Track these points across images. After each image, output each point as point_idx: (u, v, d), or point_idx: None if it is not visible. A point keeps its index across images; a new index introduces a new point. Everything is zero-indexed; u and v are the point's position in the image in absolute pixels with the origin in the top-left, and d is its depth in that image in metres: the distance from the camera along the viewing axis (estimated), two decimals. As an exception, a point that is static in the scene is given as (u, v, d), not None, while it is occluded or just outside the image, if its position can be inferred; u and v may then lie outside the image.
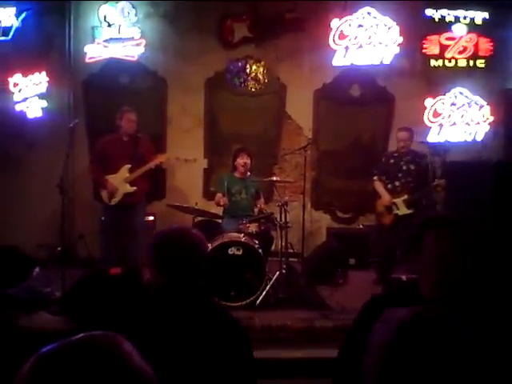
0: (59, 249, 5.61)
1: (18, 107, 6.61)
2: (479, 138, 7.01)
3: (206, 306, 1.91)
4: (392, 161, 5.86)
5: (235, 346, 1.82)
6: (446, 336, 1.13)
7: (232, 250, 4.94)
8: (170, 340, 1.75)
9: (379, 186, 5.87)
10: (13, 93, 6.57)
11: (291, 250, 5.71)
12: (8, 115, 6.56)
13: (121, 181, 5.46)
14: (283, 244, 5.31)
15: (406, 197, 5.66)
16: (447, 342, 1.11)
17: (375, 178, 5.91)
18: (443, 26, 7.04)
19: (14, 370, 1.83)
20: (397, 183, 5.78)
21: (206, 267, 2.02)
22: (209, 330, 1.81)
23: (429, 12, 6.98)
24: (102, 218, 5.70)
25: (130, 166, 5.46)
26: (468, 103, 6.98)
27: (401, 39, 6.75)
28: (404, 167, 5.76)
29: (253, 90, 7.18)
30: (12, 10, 6.63)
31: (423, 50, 7.04)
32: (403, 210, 5.66)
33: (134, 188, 5.47)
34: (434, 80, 7.06)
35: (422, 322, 1.15)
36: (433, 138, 6.94)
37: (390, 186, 5.81)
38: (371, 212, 7.15)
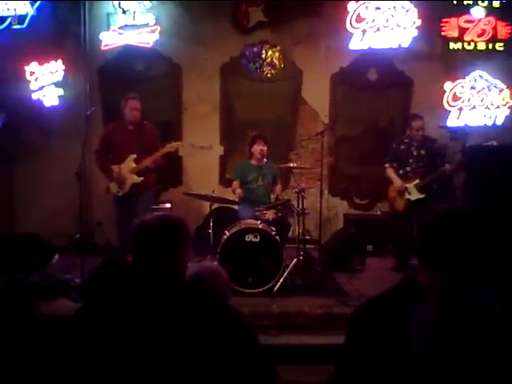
0: (78, 236, 5.66)
1: (34, 96, 6.64)
2: (499, 122, 6.89)
3: (180, 299, 1.66)
4: (403, 147, 5.83)
5: (227, 341, 1.59)
6: (483, 309, 1.22)
7: (249, 237, 4.93)
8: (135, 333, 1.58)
9: (391, 172, 5.87)
10: (29, 81, 6.60)
11: (308, 237, 5.69)
12: (25, 104, 6.59)
13: (127, 171, 5.35)
14: (300, 231, 5.29)
15: (417, 181, 5.65)
16: (484, 314, 1.21)
17: (387, 165, 5.90)
18: (461, 8, 6.90)
19: (34, 356, 1.84)
20: (408, 168, 5.77)
21: (181, 257, 1.82)
22: (184, 325, 1.58)
23: (447, -6, 6.84)
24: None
25: (135, 156, 5.33)
26: (488, 87, 6.86)
27: (419, 22, 6.63)
28: (414, 152, 5.74)
29: (268, 75, 7.13)
30: (27, -2, 6.64)
31: (442, 33, 6.91)
32: (415, 195, 5.65)
33: (141, 178, 5.35)
34: (453, 63, 6.93)
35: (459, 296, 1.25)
36: (452, 122, 6.84)
37: (401, 171, 5.81)
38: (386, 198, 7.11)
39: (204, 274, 2.22)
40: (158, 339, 1.55)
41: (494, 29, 6.85)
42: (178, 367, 1.52)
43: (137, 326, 1.58)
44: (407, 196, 5.70)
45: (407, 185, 5.70)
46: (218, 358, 1.54)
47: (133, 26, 6.73)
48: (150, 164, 5.33)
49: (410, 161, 5.75)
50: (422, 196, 5.62)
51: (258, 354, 1.66)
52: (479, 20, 6.86)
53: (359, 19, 6.68)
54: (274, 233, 5.01)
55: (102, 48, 6.75)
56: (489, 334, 1.20)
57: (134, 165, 5.36)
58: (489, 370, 1.18)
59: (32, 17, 6.67)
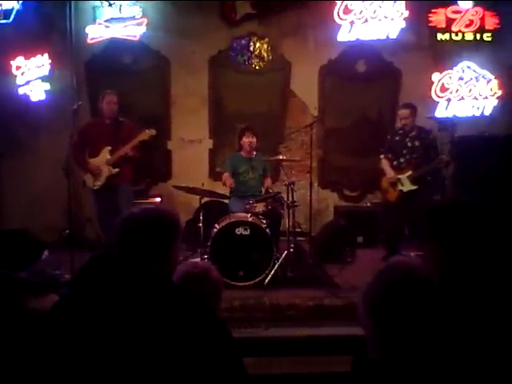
0: (67, 232, 5.62)
1: (21, 90, 6.58)
2: (487, 113, 6.93)
3: (155, 297, 1.58)
4: (397, 138, 5.78)
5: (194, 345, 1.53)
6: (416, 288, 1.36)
7: (239, 230, 4.93)
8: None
9: (385, 164, 5.82)
10: (15, 76, 6.53)
11: (299, 229, 5.69)
12: (11, 99, 6.53)
13: (102, 163, 5.37)
14: (291, 223, 5.29)
15: (410, 173, 5.61)
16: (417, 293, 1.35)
17: (382, 156, 5.86)
18: (449, -2, 6.92)
19: (25, 352, 1.82)
20: (402, 160, 5.72)
21: (165, 251, 1.75)
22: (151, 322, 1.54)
23: (434, -16, 6.85)
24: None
25: (110, 148, 5.35)
26: (476, 77, 6.88)
27: (407, 13, 6.63)
28: (409, 144, 5.68)
29: (257, 67, 7.10)
30: (12, -8, 6.55)
31: (430, 24, 6.91)
32: (408, 186, 5.62)
33: (117, 170, 5.36)
34: (441, 54, 6.95)
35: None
36: (440, 113, 6.85)
37: (395, 162, 5.76)
38: (379, 189, 7.12)
39: (193, 274, 2.16)
40: (134, 340, 1.51)
41: (482, 19, 6.86)
42: (152, 370, 1.48)
43: (113, 326, 1.54)
44: (400, 187, 5.65)
45: (400, 176, 5.65)
46: (195, 367, 1.51)
47: (119, 18, 6.67)
48: (124, 153, 5.34)
49: (404, 152, 5.69)
50: (415, 187, 5.58)
51: (236, 368, 1.63)
52: (467, 10, 6.87)
53: (347, 11, 6.67)
54: (264, 226, 5.01)
55: (89, 41, 6.69)
56: (425, 306, 1.33)
57: (109, 156, 5.37)
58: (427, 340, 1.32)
59: (18, 11, 6.58)
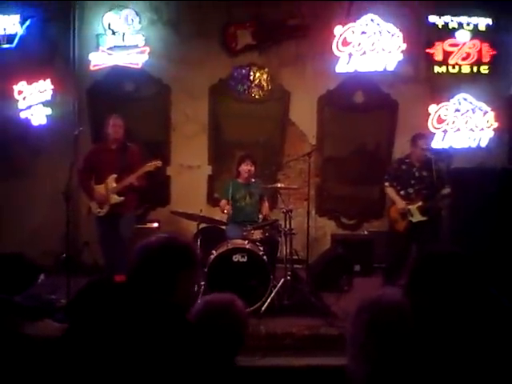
0: (64, 256, 5.61)
1: (22, 115, 6.64)
2: (483, 144, 7.00)
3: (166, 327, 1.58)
4: (404, 167, 5.71)
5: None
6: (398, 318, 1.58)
7: (237, 257, 4.92)
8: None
9: (392, 193, 5.74)
10: (17, 100, 6.60)
11: (296, 257, 5.69)
12: (13, 123, 6.59)
13: (108, 191, 5.35)
14: (288, 251, 5.29)
15: (420, 204, 5.54)
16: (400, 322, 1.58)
17: (387, 184, 5.80)
18: (447, 32, 7.05)
19: (20, 378, 1.82)
20: (410, 190, 5.65)
21: (185, 282, 1.72)
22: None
23: (432, 19, 6.99)
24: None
25: (116, 175, 5.32)
26: (472, 109, 6.98)
27: (404, 46, 6.77)
28: (417, 174, 5.63)
29: (256, 96, 7.20)
30: (16, 18, 6.66)
31: (427, 57, 7.04)
32: (417, 217, 5.55)
33: (122, 198, 5.33)
34: (438, 86, 7.06)
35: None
36: (437, 144, 6.93)
37: (402, 192, 5.68)
38: (376, 218, 7.14)
39: (213, 312, 2.03)
40: (144, 373, 1.50)
41: (479, 52, 6.99)
42: None
43: (123, 359, 1.52)
44: (409, 218, 5.58)
45: (410, 207, 5.57)
46: None
47: (122, 46, 6.77)
48: (129, 183, 5.32)
49: (412, 182, 5.63)
50: (424, 218, 5.53)
51: None
52: (464, 44, 7.00)
53: (345, 43, 6.80)
54: (261, 253, 5.00)
55: (91, 68, 6.77)
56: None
57: (114, 184, 5.35)
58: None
59: (21, 36, 6.69)
